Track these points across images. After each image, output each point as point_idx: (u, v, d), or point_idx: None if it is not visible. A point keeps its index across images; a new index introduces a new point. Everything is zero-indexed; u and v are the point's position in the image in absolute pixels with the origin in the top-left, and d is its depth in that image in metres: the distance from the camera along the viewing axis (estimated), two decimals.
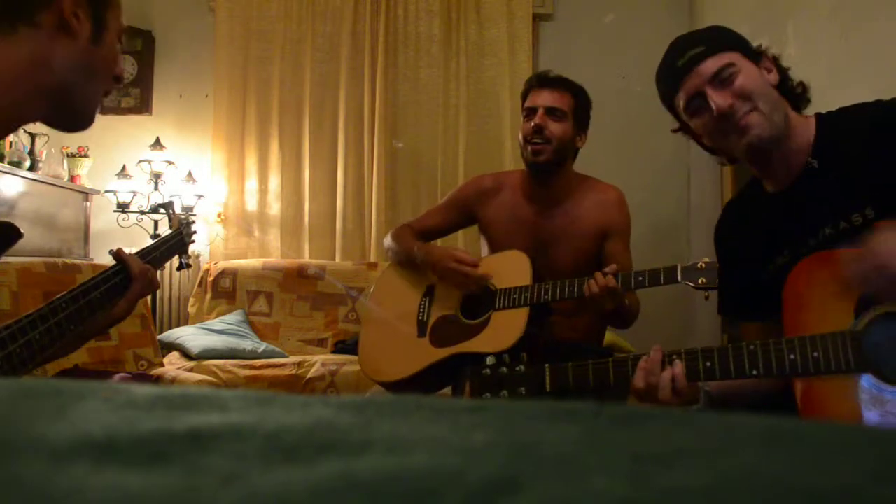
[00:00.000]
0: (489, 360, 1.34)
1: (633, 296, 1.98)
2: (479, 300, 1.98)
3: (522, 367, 1.31)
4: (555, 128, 1.99)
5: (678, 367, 1.18)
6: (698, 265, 1.67)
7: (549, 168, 2.02)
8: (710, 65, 1.21)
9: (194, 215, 3.76)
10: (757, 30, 3.39)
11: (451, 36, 4.08)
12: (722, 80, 1.21)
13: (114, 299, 1.25)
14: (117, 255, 1.30)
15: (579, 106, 2.04)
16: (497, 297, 1.92)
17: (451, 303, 2.02)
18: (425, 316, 2.04)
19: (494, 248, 2.12)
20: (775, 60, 1.27)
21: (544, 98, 2.02)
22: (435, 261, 2.05)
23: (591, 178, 2.13)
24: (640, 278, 1.72)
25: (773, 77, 1.25)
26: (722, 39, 1.25)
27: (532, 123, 2.00)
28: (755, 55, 1.25)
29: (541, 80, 2.07)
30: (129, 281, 1.27)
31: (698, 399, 1.22)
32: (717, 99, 1.20)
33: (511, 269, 1.94)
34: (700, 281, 1.66)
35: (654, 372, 1.20)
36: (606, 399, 1.50)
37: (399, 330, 2.05)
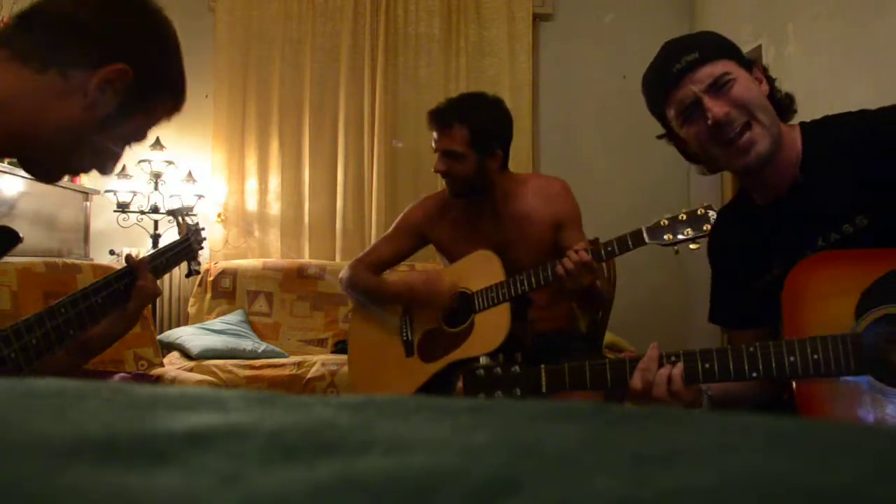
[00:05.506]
0: (483, 361, 1.32)
1: (604, 280, 2.00)
2: (459, 307, 1.97)
3: (517, 368, 1.28)
4: (456, 169, 1.97)
5: (678, 367, 1.17)
6: (661, 222, 1.69)
7: (470, 195, 2.04)
8: (707, 72, 1.18)
9: (194, 215, 3.76)
10: (757, 30, 3.39)
11: (451, 36, 4.08)
12: (718, 87, 1.18)
13: (117, 305, 1.21)
14: (128, 260, 1.26)
15: (478, 134, 1.96)
16: (475, 299, 1.92)
17: (432, 316, 2.02)
18: (408, 335, 2.04)
19: (454, 262, 2.12)
20: (765, 71, 1.25)
21: (441, 141, 1.98)
22: (398, 293, 2.06)
23: (533, 175, 2.16)
24: (610, 248, 1.74)
25: (765, 87, 1.23)
26: (717, 46, 1.22)
27: (434, 168, 2.01)
28: (748, 64, 1.23)
29: (431, 120, 2.02)
30: (132, 287, 1.23)
31: (700, 403, 1.22)
32: (714, 107, 1.16)
33: (482, 269, 1.95)
34: (666, 237, 1.68)
35: (650, 369, 1.19)
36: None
37: (386, 354, 2.05)
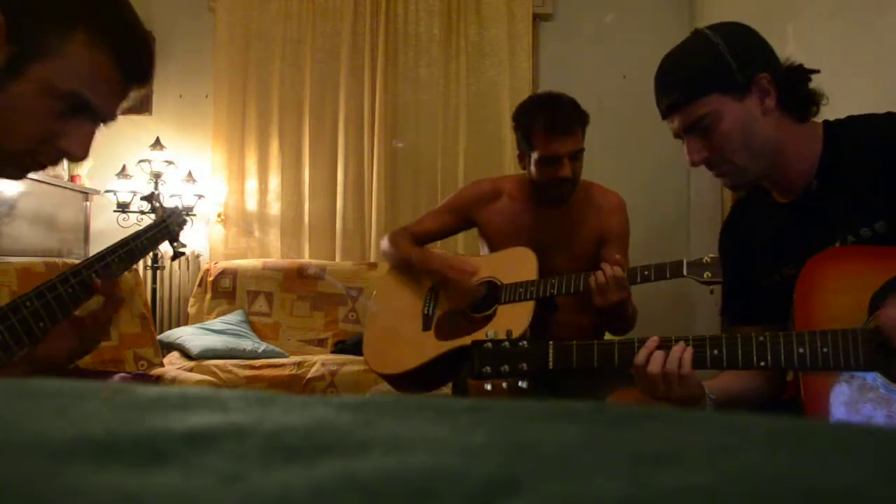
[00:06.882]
0: (490, 335, 1.31)
1: (632, 303, 1.98)
2: (486, 295, 1.99)
3: (525, 343, 1.27)
4: (578, 167, 1.96)
5: (687, 350, 1.17)
6: (704, 260, 1.69)
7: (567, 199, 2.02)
8: (687, 113, 1.19)
9: (194, 215, 3.76)
10: (756, 30, 3.39)
11: (451, 36, 4.08)
12: (699, 128, 1.19)
13: (88, 294, 1.12)
14: (93, 283, 1.14)
15: (584, 133, 1.99)
16: (503, 291, 1.93)
17: (458, 301, 2.02)
18: (430, 310, 2.05)
19: (494, 251, 2.12)
20: (776, 74, 1.19)
21: (566, 146, 1.91)
22: (433, 269, 2.06)
23: (593, 184, 2.11)
24: (647, 272, 1.74)
25: (770, 101, 1.18)
26: (699, 80, 1.18)
27: (561, 175, 1.92)
28: (743, 85, 1.17)
29: (555, 130, 1.92)
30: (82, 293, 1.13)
31: (703, 405, 1.21)
32: (692, 153, 1.21)
33: (517, 265, 1.96)
34: (705, 275, 1.68)
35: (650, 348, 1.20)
36: (610, 380, 1.44)
37: (404, 324, 2.06)
